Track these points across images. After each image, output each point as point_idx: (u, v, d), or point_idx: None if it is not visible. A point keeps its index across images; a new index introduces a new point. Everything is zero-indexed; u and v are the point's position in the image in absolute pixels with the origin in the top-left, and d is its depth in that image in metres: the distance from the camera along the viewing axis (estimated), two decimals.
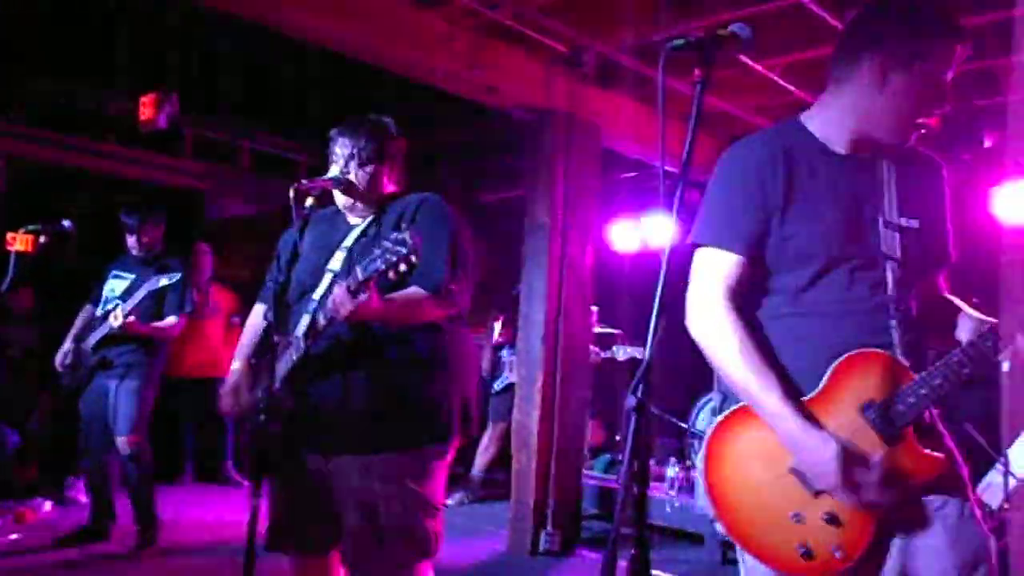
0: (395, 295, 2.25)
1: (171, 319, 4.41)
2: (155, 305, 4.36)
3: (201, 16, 6.09)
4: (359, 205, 2.58)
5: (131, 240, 4.56)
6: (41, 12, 5.55)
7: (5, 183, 7.28)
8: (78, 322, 4.62)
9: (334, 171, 2.65)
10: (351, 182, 2.58)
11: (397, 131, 2.63)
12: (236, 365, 2.56)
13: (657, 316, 1.61)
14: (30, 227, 4.15)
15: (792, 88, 4.81)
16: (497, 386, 6.18)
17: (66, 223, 3.91)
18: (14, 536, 4.36)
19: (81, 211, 8.67)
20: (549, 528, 4.70)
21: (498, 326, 6.36)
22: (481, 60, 4.48)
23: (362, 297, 2.12)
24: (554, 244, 4.81)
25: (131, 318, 4.18)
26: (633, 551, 1.56)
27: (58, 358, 4.48)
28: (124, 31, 5.88)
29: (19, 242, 4.79)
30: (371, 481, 2.26)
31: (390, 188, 2.61)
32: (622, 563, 1.58)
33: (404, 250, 2.09)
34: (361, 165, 2.55)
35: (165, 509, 4.57)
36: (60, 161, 6.21)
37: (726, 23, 1.74)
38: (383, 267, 2.10)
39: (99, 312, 4.44)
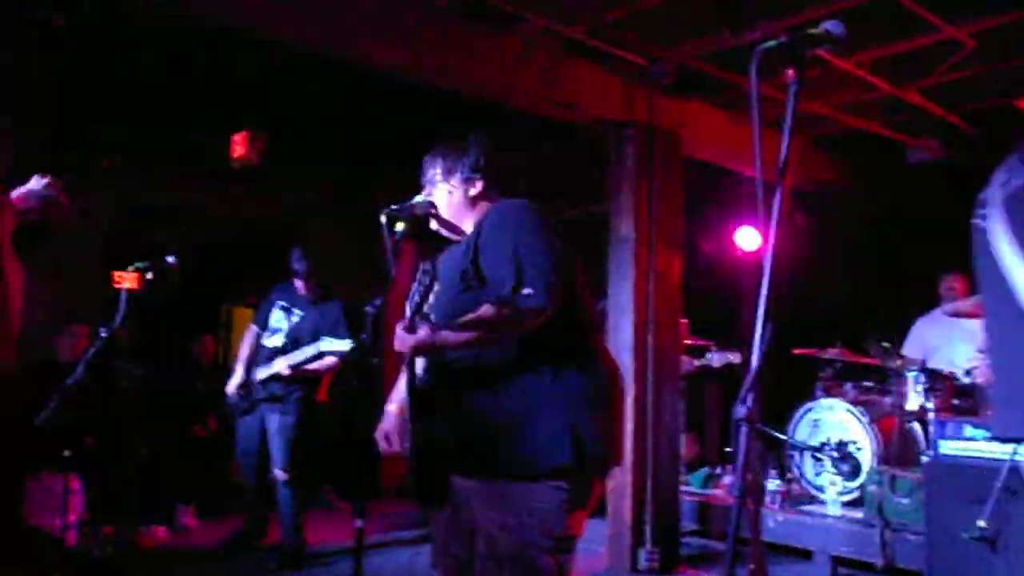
0: (461, 319, 2.17)
1: (327, 360, 4.65)
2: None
3: (290, 55, 6.34)
4: (455, 228, 2.57)
5: (299, 284, 4.87)
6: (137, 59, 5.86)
7: (107, 222, 7.70)
8: (245, 347, 4.97)
9: (421, 197, 2.69)
10: (434, 205, 2.59)
11: (485, 145, 2.60)
12: (391, 407, 2.49)
13: (764, 323, 1.58)
14: (138, 265, 4.36)
15: (880, 83, 4.65)
16: None
17: (170, 259, 4.08)
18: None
19: (180, 247, 9.09)
20: (648, 546, 4.63)
21: None
22: (559, 78, 4.50)
23: (419, 333, 2.11)
24: (639, 257, 4.77)
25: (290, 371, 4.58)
26: (751, 567, 1.52)
27: (231, 387, 4.85)
28: (206, 73, 6.15)
29: (127, 280, 5.06)
30: (489, 509, 2.23)
31: (483, 204, 2.52)
32: None
33: (426, 277, 2.11)
34: (450, 183, 2.54)
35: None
36: (160, 200, 6.53)
37: (804, 23, 1.70)
38: (418, 299, 2.11)
39: (266, 341, 4.81)
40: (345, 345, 4.51)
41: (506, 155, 7.20)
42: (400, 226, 2.67)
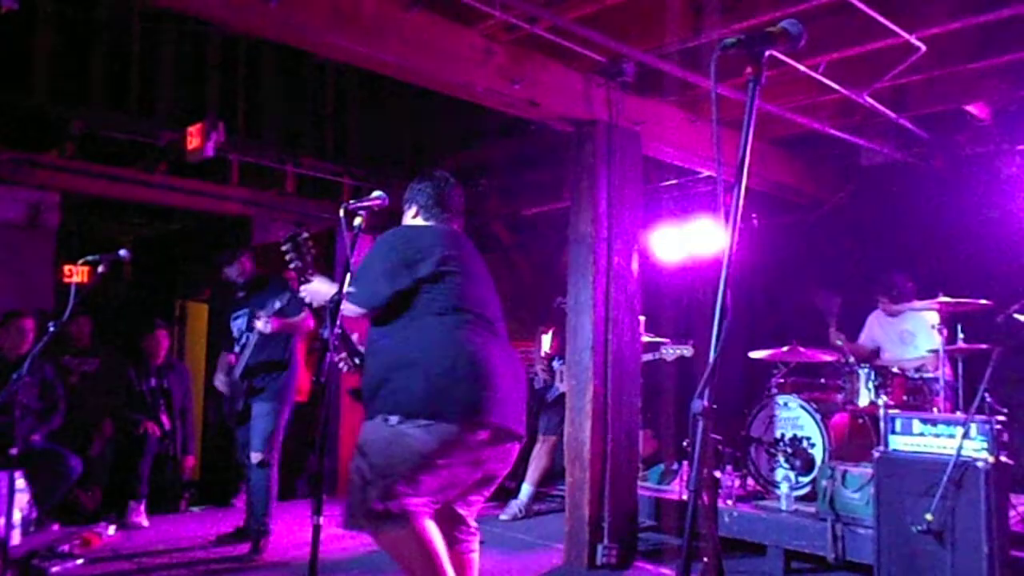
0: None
1: (300, 315, 4.82)
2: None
3: (242, 44, 6.25)
4: None
5: (232, 273, 5.02)
6: (86, 49, 5.73)
7: (60, 217, 7.51)
8: (221, 367, 5.10)
9: (378, 192, 2.75)
10: (387, 200, 2.84)
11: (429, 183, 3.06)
12: None
13: (720, 319, 1.59)
14: (88, 258, 4.25)
15: (836, 85, 4.73)
16: (548, 397, 6.15)
17: (123, 252, 4.00)
18: (80, 561, 4.44)
19: (134, 240, 8.92)
20: (606, 541, 4.65)
21: (547, 338, 6.35)
22: (520, 74, 4.49)
23: None
24: (599, 255, 4.78)
25: (271, 325, 4.66)
26: (705, 560, 1.54)
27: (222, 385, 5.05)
28: (167, 62, 6.03)
29: (77, 274, 4.95)
30: None
31: None
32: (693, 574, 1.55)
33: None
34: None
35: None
36: (111, 193, 6.38)
37: (765, 24, 1.72)
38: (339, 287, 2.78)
39: (237, 349, 4.94)
40: (288, 299, 4.60)
41: (464, 154, 7.21)
42: (358, 220, 2.69)
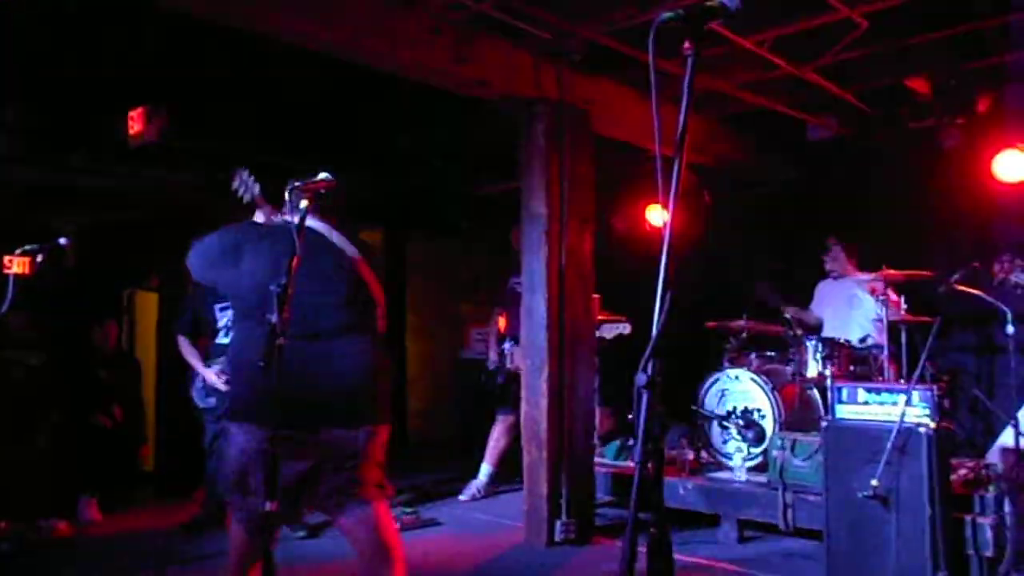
0: None
1: None
2: None
3: (185, 26, 6.07)
4: None
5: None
6: (29, 33, 5.53)
7: None
8: (193, 354, 4.98)
9: (325, 173, 2.67)
10: (334, 181, 2.69)
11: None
12: None
13: (663, 293, 1.61)
14: (27, 248, 4.13)
15: (781, 62, 4.79)
16: (500, 378, 6.16)
17: (62, 241, 3.88)
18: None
19: (79, 229, 8.67)
20: (564, 518, 4.70)
21: (502, 320, 6.36)
22: (468, 54, 4.46)
23: None
24: (552, 234, 4.79)
25: None
26: (652, 531, 1.56)
27: (195, 392, 4.96)
28: (112, 44, 5.85)
29: (16, 265, 4.79)
30: None
31: None
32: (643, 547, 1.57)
33: None
34: None
35: None
36: (52, 181, 6.19)
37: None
38: None
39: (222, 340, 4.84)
40: None
41: (418, 135, 7.12)
42: (303, 202, 2.64)
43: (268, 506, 2.40)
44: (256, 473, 2.60)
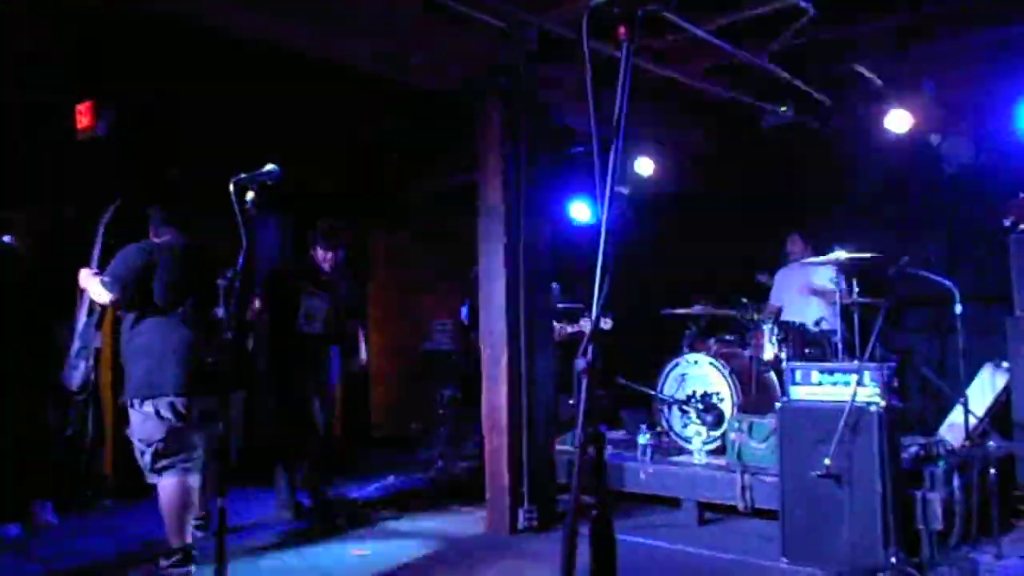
0: None
1: None
2: None
3: (127, 17, 5.92)
4: None
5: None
6: None
7: None
8: None
9: (271, 166, 2.66)
10: (281, 174, 2.72)
11: None
12: None
13: (601, 281, 1.62)
14: None
15: (733, 49, 4.83)
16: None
17: (6, 238, 3.80)
18: None
19: (29, 225, 8.47)
20: (526, 505, 4.72)
21: (465, 310, 6.37)
22: (420, 43, 4.43)
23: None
24: (509, 223, 4.79)
25: None
26: (595, 512, 1.57)
27: None
28: (58, 36, 5.70)
29: None
30: None
31: None
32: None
33: None
34: None
35: None
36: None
37: None
38: None
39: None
40: None
41: (371, 129, 7.04)
42: (250, 195, 2.62)
43: None
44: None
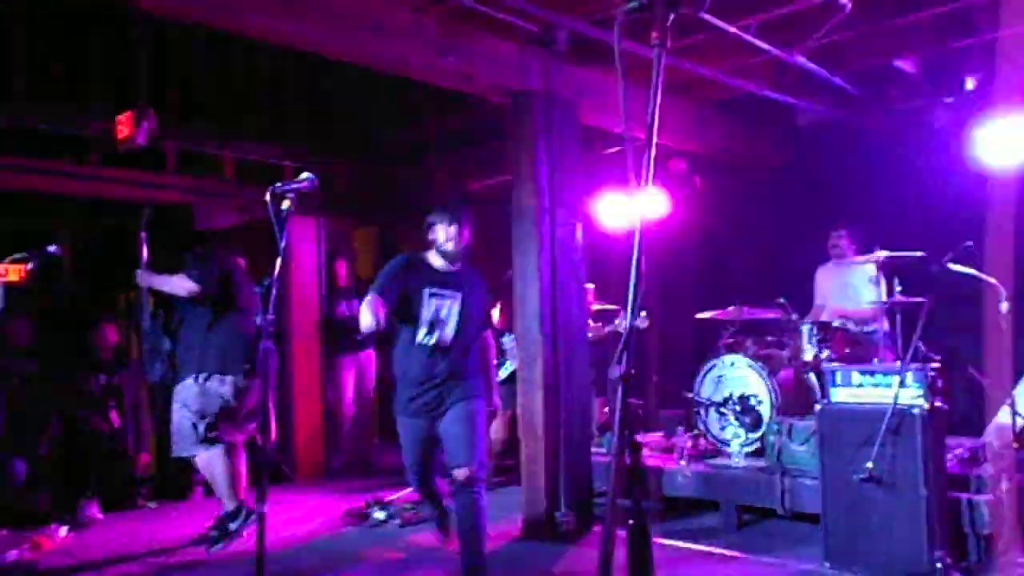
0: None
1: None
2: None
3: (168, 28, 6.04)
4: None
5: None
6: (5, 37, 5.50)
7: None
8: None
9: (306, 175, 2.72)
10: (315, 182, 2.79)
11: None
12: None
13: (635, 285, 1.60)
14: (16, 256, 4.13)
15: (767, 47, 4.76)
16: (502, 373, 6.13)
17: (52, 248, 3.89)
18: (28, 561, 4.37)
19: (74, 235, 8.67)
20: (563, 509, 4.71)
21: (495, 312, 6.34)
22: (452, 47, 4.44)
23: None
24: (542, 226, 4.79)
25: None
26: (631, 521, 1.56)
27: None
28: (95, 49, 5.82)
29: (10, 273, 4.79)
30: None
31: None
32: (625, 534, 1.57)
33: None
34: None
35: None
36: (41, 187, 6.18)
37: None
38: None
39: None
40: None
41: (410, 129, 7.08)
42: (286, 204, 2.65)
43: None
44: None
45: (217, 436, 4.51)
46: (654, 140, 1.63)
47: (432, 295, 3.58)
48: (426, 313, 3.56)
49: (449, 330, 3.60)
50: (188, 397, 4.53)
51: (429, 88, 5.00)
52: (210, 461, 4.54)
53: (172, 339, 4.90)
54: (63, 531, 4.97)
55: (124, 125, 5.43)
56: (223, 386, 4.51)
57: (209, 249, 4.75)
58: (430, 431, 3.70)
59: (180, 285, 4.49)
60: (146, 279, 4.70)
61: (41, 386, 5.88)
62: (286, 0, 3.88)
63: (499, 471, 6.19)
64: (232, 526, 4.50)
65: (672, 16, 1.66)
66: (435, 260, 3.72)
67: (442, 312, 3.61)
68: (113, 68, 5.92)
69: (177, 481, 6.07)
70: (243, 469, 4.68)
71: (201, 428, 4.48)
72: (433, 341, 3.54)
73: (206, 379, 4.50)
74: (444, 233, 3.67)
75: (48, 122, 5.66)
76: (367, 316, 3.34)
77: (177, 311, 4.74)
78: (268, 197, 2.67)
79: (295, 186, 2.73)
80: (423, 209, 3.82)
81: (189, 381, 4.54)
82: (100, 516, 5.34)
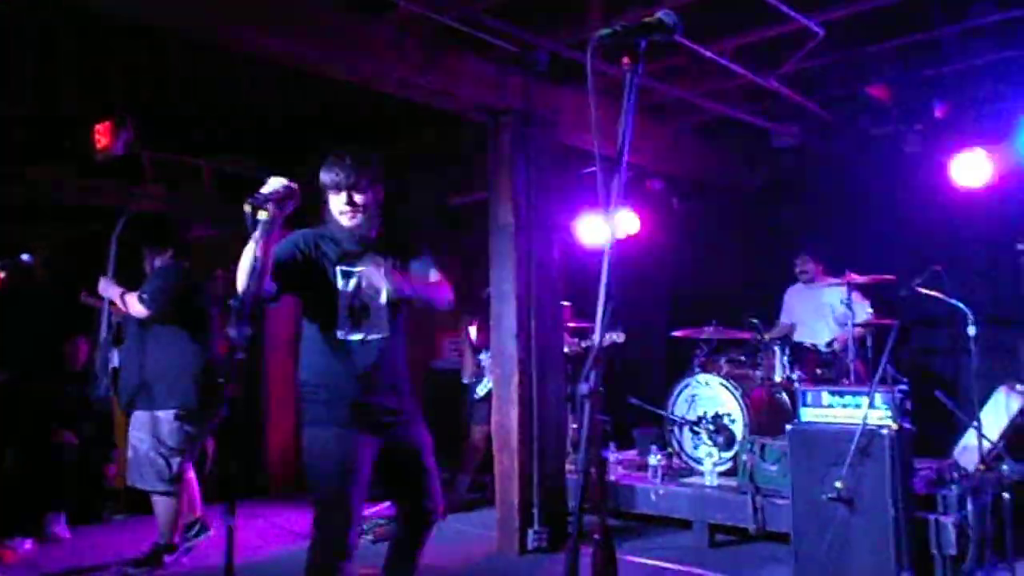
0: None
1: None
2: None
3: (149, 38, 6.02)
4: None
5: None
6: None
7: None
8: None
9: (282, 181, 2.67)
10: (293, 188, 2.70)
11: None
12: None
13: (604, 305, 1.63)
14: None
15: (743, 71, 4.85)
16: (480, 391, 6.09)
17: (25, 257, 3.86)
18: None
19: (50, 245, 8.58)
20: (536, 526, 4.71)
21: (473, 330, 6.35)
22: (433, 65, 4.48)
23: None
24: (519, 244, 4.82)
25: None
26: (596, 536, 1.58)
27: None
28: (72, 58, 5.80)
29: None
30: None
31: None
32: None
33: None
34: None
35: None
36: (21, 196, 6.13)
37: (677, 10, 1.77)
38: None
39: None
40: None
41: (390, 145, 7.12)
42: (263, 214, 2.63)
43: None
44: None
45: (182, 472, 4.38)
46: (624, 162, 1.67)
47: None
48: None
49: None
50: (164, 431, 4.32)
51: (408, 104, 5.03)
52: (168, 500, 4.38)
53: (121, 352, 4.77)
54: (27, 545, 4.89)
55: (102, 135, 5.42)
56: (193, 423, 4.37)
57: (176, 262, 4.59)
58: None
59: (132, 306, 4.36)
60: (108, 290, 4.56)
61: (11, 397, 5.81)
62: (272, 14, 3.90)
63: (475, 487, 6.18)
64: (168, 559, 4.39)
65: (644, 43, 1.70)
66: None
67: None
68: (88, 78, 5.90)
69: (146, 494, 5.99)
70: (195, 491, 4.57)
71: (175, 466, 4.32)
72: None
73: (185, 415, 4.32)
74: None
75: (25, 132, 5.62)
76: None
77: (139, 326, 4.50)
78: (247, 209, 2.65)
79: (275, 193, 2.69)
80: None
81: (163, 414, 4.32)
82: (67, 535, 5.25)
